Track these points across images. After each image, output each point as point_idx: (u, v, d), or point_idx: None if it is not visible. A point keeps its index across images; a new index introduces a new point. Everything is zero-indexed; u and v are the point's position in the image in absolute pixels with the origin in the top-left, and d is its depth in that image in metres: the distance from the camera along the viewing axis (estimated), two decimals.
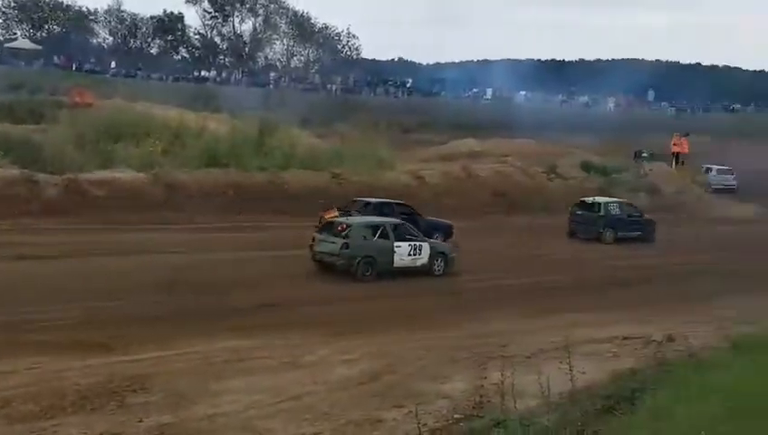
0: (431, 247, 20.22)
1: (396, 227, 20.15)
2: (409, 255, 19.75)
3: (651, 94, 72.67)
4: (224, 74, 75.04)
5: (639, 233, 27.63)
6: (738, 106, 70.05)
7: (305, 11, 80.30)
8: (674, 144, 41.06)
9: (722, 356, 8.02)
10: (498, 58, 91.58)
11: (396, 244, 19.57)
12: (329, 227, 19.89)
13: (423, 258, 19.94)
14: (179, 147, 27.48)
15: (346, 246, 18.82)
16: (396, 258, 19.50)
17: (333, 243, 19.02)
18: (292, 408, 10.15)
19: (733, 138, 57.91)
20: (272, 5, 79.51)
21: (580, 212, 27.75)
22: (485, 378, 11.10)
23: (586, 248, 25.28)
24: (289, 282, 17.74)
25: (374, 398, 10.70)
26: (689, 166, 40.69)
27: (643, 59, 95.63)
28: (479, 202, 29.58)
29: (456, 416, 9.82)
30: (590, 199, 28.51)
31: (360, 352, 12.81)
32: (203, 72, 74.80)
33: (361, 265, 18.83)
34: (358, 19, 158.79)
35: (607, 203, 28.15)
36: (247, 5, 79.54)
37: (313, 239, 19.46)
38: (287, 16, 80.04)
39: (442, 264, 20.23)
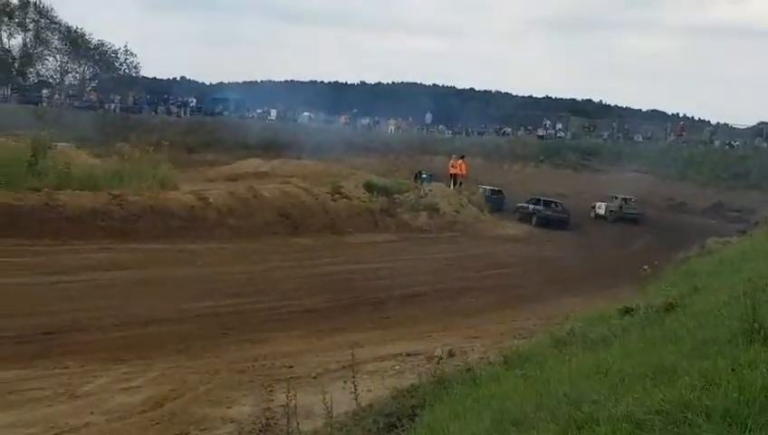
0: None
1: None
2: None
3: (429, 117, 75.28)
4: None
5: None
6: (509, 130, 73.83)
7: (79, 27, 77.23)
8: (451, 166, 42.80)
9: (495, 370, 8.43)
10: (282, 79, 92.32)
11: None
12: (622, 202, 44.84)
13: None
14: None
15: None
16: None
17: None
18: None
19: (504, 160, 61.35)
20: (42, 20, 75.78)
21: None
22: (272, 400, 11.10)
23: (365, 268, 25.69)
24: (71, 307, 16.89)
25: (157, 426, 10.40)
26: (466, 187, 42.51)
27: (421, 83, 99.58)
28: (264, 222, 29.50)
29: None
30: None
31: (141, 378, 12.42)
32: None
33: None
34: (136, 37, 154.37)
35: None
36: (16, 20, 75.41)
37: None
38: (60, 32, 76.59)
39: None
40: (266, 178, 39.18)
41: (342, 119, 73.59)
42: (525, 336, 14.34)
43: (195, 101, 74.53)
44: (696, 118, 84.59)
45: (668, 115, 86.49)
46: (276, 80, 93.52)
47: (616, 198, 45.42)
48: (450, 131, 73.76)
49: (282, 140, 56.92)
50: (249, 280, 21.39)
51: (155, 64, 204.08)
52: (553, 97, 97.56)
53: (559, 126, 71.88)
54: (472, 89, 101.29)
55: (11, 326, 14.85)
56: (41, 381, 11.94)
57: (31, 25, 76.02)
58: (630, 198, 45.47)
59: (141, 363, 13.23)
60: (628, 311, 10.38)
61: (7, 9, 74.75)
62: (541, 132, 70.72)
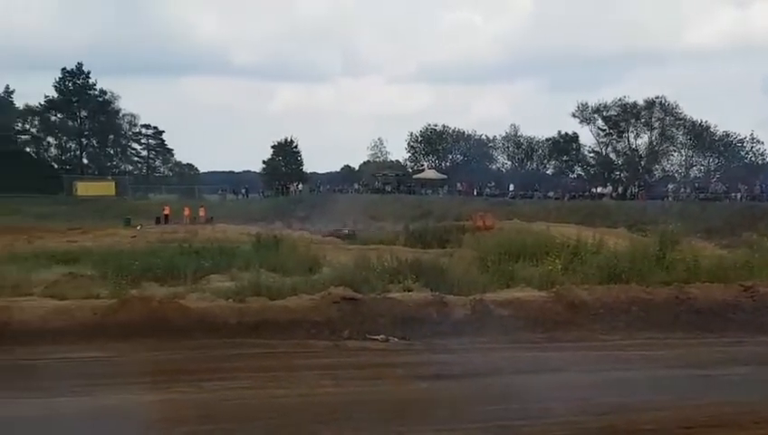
0: None
1: None
2: None
3: None
4: (619, 189, 75.03)
5: None
6: None
7: (704, 120, 78.42)
8: None
9: None
10: None
11: None
12: None
13: None
14: (578, 264, 27.52)
15: None
16: None
17: None
18: None
19: None
20: (668, 118, 78.73)
21: None
22: None
23: None
24: (711, 401, 16.58)
25: None
26: None
27: None
28: None
29: None
30: None
31: None
32: (598, 189, 75.44)
33: None
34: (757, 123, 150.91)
35: None
36: (642, 120, 79.64)
37: None
38: (684, 127, 78.67)
39: None
40: None
41: None
42: None
43: None
44: None
45: None
46: None
47: None
48: None
49: None
50: None
51: None
52: None
53: None
54: None
55: (652, 419, 15.12)
56: None
57: (656, 124, 79.54)
58: None
59: None
60: None
61: (634, 111, 79.43)
62: None
